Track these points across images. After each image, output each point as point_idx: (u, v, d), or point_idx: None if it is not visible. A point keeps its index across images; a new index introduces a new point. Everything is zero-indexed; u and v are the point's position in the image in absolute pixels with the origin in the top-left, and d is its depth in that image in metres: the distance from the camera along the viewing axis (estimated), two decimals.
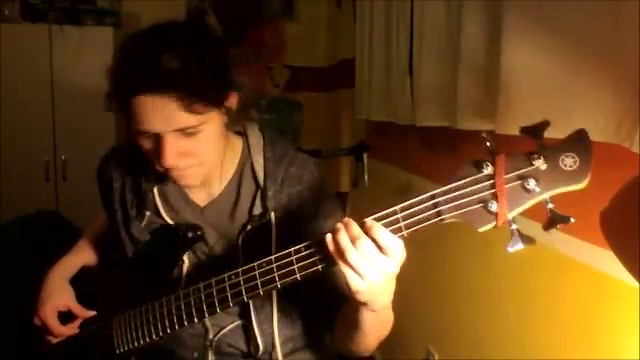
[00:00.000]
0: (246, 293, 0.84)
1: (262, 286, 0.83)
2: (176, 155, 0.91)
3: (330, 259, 0.76)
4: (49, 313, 1.08)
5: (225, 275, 0.87)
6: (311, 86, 3.70)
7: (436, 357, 1.92)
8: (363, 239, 0.72)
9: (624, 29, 0.93)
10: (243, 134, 1.10)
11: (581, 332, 1.18)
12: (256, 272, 0.83)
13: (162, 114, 0.88)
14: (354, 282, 0.74)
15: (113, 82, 0.92)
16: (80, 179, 3.08)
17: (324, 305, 1.01)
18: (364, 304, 0.80)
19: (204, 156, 0.95)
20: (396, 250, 0.73)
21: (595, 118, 1.01)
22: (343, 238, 0.73)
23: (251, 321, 1.03)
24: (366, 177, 2.16)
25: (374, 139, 2.43)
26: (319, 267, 0.78)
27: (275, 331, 1.03)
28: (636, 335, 0.97)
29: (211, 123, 0.93)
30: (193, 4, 3.49)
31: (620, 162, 0.96)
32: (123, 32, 3.26)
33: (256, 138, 1.08)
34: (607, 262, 1.00)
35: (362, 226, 0.74)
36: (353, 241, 0.73)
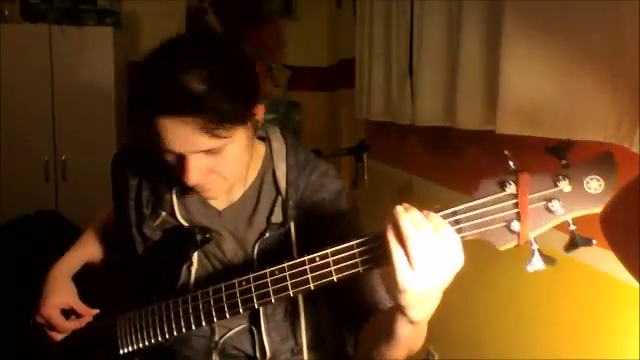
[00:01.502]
0: (257, 300, 0.83)
1: (274, 294, 0.81)
2: (200, 174, 0.90)
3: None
4: (52, 310, 1.07)
5: (236, 280, 0.85)
6: (311, 86, 3.70)
7: (436, 357, 1.92)
8: (426, 224, 0.67)
9: (624, 29, 0.93)
10: (266, 139, 1.08)
11: (581, 332, 1.18)
12: (268, 279, 0.82)
13: (184, 138, 0.86)
14: (403, 274, 0.67)
15: (134, 100, 0.90)
16: (80, 179, 3.09)
17: (338, 315, 1.00)
18: (404, 310, 0.73)
19: (228, 172, 0.94)
20: (453, 243, 0.69)
21: (595, 118, 1.01)
22: (405, 221, 0.67)
23: (260, 327, 1.02)
24: (366, 177, 2.16)
25: (374, 139, 2.43)
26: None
27: (303, 340, 1.02)
28: (636, 335, 0.97)
29: (236, 140, 0.91)
30: (193, 4, 3.49)
31: (620, 162, 0.96)
32: (123, 32, 3.28)
33: (279, 143, 1.07)
34: (607, 262, 1.00)
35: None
36: (416, 225, 0.67)
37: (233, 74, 0.88)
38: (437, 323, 1.89)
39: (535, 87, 1.14)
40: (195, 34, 0.93)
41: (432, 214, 0.69)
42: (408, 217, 0.68)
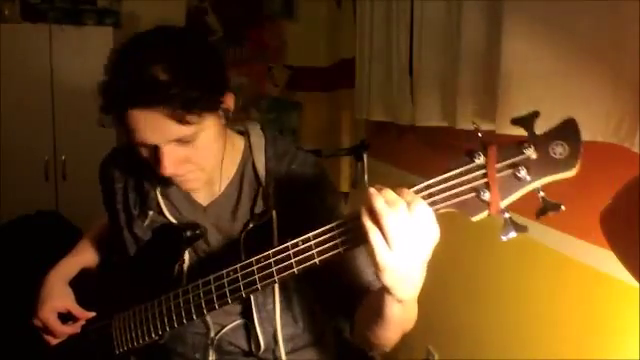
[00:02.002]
0: (244, 289, 0.84)
1: (260, 281, 0.83)
2: (174, 164, 0.91)
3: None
4: (49, 314, 1.08)
5: (224, 272, 0.86)
6: (311, 86, 3.70)
7: (436, 357, 1.92)
8: (400, 202, 0.68)
9: (624, 29, 0.93)
10: (245, 133, 1.10)
11: (581, 332, 1.18)
12: (254, 267, 0.83)
13: (154, 127, 0.87)
14: (381, 253, 0.68)
15: (103, 97, 0.91)
16: (80, 179, 3.09)
17: (332, 301, 1.00)
18: (389, 290, 0.74)
19: (203, 162, 0.95)
20: (427, 217, 0.69)
21: (595, 118, 1.01)
22: (379, 201, 0.68)
23: (253, 320, 1.03)
24: (366, 177, 2.16)
25: (374, 139, 2.43)
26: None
27: (278, 329, 1.03)
28: (636, 335, 0.97)
29: (207, 129, 0.92)
30: (193, 4, 3.49)
31: (620, 162, 0.96)
32: (123, 32, 3.27)
33: (257, 137, 1.08)
34: (607, 262, 1.00)
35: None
36: (389, 204, 0.68)
37: (198, 63, 0.90)
38: (437, 323, 1.90)
39: (535, 87, 1.14)
40: (161, 28, 0.94)
41: (405, 190, 0.70)
42: (381, 196, 0.69)
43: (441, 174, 0.72)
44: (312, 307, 1.07)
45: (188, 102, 0.86)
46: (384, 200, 0.69)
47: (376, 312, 0.83)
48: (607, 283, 1.05)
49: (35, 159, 3.08)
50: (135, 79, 0.86)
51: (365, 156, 2.18)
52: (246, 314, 1.04)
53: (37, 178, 3.08)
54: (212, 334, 1.06)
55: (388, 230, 0.68)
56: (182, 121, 0.87)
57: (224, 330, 1.06)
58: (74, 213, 2.41)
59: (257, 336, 1.03)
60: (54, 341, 1.10)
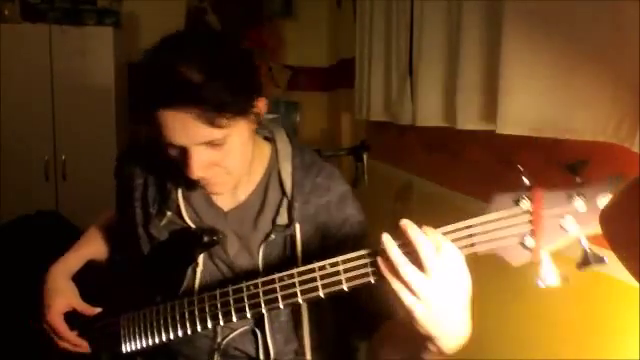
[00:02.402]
0: (265, 305, 0.83)
1: (282, 300, 0.81)
2: (203, 167, 0.90)
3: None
4: (56, 318, 1.06)
5: (244, 285, 0.85)
6: (311, 86, 3.70)
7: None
8: (421, 246, 0.66)
9: (624, 29, 0.93)
10: (271, 139, 1.08)
11: (581, 332, 1.18)
12: (277, 285, 0.82)
13: (185, 129, 0.86)
14: (405, 299, 0.67)
15: (136, 97, 0.92)
16: (80, 179, 3.09)
17: (348, 320, 0.99)
18: (429, 340, 0.71)
19: (231, 166, 0.94)
20: (455, 262, 0.68)
21: (595, 118, 1.00)
22: (394, 252, 0.68)
23: (264, 329, 1.02)
24: (366, 177, 2.15)
25: (374, 139, 2.43)
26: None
27: (300, 338, 1.02)
28: (636, 335, 0.97)
29: (238, 133, 0.91)
30: (193, 4, 3.49)
31: (620, 162, 0.96)
32: (123, 32, 3.28)
33: (284, 144, 1.06)
34: (607, 262, 1.00)
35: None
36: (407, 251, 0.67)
37: (232, 66, 0.89)
38: None
39: (535, 87, 1.14)
40: (194, 30, 0.94)
41: (430, 231, 0.69)
42: (395, 246, 0.68)
43: (484, 214, 0.70)
44: (325, 323, 1.06)
45: (220, 105, 0.85)
46: (398, 249, 0.68)
47: (406, 349, 0.79)
48: (607, 283, 1.05)
49: (35, 159, 3.08)
50: (168, 79, 0.85)
51: (365, 156, 2.18)
52: (257, 321, 1.02)
53: (37, 178, 3.08)
54: (219, 338, 1.05)
55: (407, 280, 0.67)
56: (213, 124, 0.86)
57: (232, 335, 1.05)
58: (74, 213, 2.41)
59: (267, 346, 1.02)
60: (63, 345, 1.08)
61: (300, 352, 1.05)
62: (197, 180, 0.94)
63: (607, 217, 0.68)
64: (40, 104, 3.05)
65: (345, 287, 0.76)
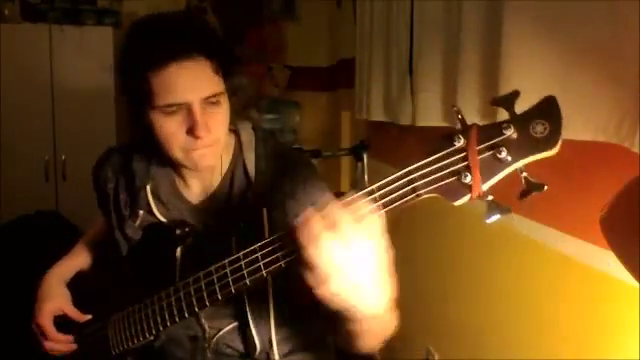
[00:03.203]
0: (233, 284, 0.83)
1: (248, 275, 0.81)
2: (205, 127, 0.92)
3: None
4: (45, 319, 1.08)
5: (212, 268, 0.86)
6: (311, 86, 3.70)
7: (436, 357, 1.92)
8: (323, 230, 0.64)
9: (624, 29, 0.93)
10: (235, 132, 1.10)
11: (581, 332, 1.18)
12: (242, 262, 0.82)
13: (196, 79, 0.90)
14: (322, 281, 0.65)
15: (133, 58, 0.92)
16: (80, 179, 3.07)
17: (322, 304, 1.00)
18: (344, 311, 0.70)
19: (222, 131, 0.97)
20: (371, 223, 0.65)
21: (595, 118, 1.01)
22: (314, 225, 0.65)
23: (247, 321, 1.03)
24: (366, 177, 2.16)
25: (374, 139, 2.43)
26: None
27: (272, 331, 1.03)
28: (636, 335, 0.97)
29: (225, 99, 0.96)
30: (193, 4, 3.49)
31: (620, 162, 0.96)
32: (123, 32, 3.27)
33: (248, 135, 1.08)
34: (607, 262, 1.00)
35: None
36: (327, 226, 0.64)
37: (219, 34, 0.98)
38: (437, 323, 1.89)
39: (535, 87, 1.14)
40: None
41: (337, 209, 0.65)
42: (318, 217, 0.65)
43: (421, 159, 0.70)
44: (307, 309, 1.07)
45: (223, 55, 0.92)
46: (318, 222, 0.65)
47: (344, 326, 0.79)
48: (607, 283, 1.05)
49: (35, 159, 3.08)
50: (178, 30, 0.90)
51: (365, 156, 2.18)
52: (241, 316, 1.04)
53: (37, 178, 3.08)
54: (208, 337, 1.06)
55: (327, 250, 0.64)
56: (218, 73, 0.92)
57: (220, 333, 1.06)
58: (74, 213, 2.41)
59: (252, 337, 1.03)
60: (49, 345, 1.10)
61: (286, 343, 1.06)
62: (190, 153, 0.95)
63: (607, 217, 0.68)
64: (40, 104, 3.05)
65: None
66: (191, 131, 0.92)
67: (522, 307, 1.42)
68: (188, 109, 0.91)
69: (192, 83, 0.90)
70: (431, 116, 1.75)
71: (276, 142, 1.10)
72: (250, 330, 1.03)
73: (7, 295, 1.85)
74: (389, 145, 2.43)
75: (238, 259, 0.82)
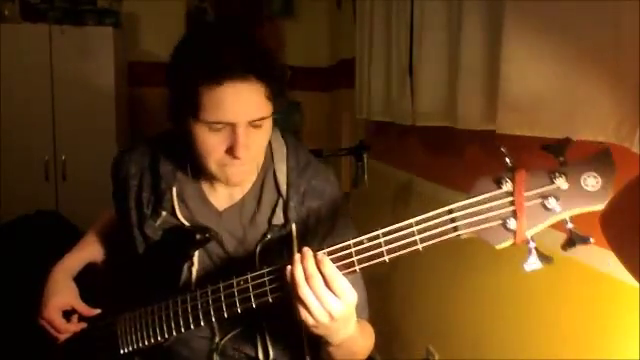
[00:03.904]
0: (255, 299, 0.84)
1: (271, 293, 0.83)
2: (246, 147, 0.92)
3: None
4: (53, 313, 1.07)
5: (234, 280, 0.86)
6: (311, 86, 3.70)
7: (436, 357, 1.92)
8: (315, 276, 0.76)
9: (624, 29, 0.93)
10: None
11: (581, 332, 1.18)
12: (265, 279, 0.83)
13: (247, 102, 0.89)
14: (305, 318, 0.78)
15: (188, 68, 0.91)
16: (80, 179, 3.09)
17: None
18: (321, 337, 0.84)
19: (259, 152, 0.98)
20: (344, 290, 0.76)
21: (595, 118, 1.00)
22: (298, 272, 0.76)
23: (262, 328, 1.02)
24: (366, 177, 2.16)
25: (374, 139, 2.43)
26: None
27: (282, 339, 1.03)
28: (636, 335, 0.97)
29: (269, 120, 0.95)
30: (193, 4, 3.49)
31: (620, 162, 0.96)
32: (123, 32, 3.27)
33: (279, 145, 1.07)
34: (607, 262, 1.00)
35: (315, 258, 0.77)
36: (307, 277, 0.76)
37: (278, 58, 1.00)
38: (437, 323, 1.90)
39: (535, 87, 1.14)
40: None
41: (319, 254, 0.78)
42: (301, 267, 0.77)
43: (466, 198, 0.70)
44: None
45: (276, 80, 0.92)
46: (303, 270, 0.77)
47: (323, 346, 0.90)
48: (607, 283, 1.05)
49: (35, 159, 3.08)
50: (238, 49, 0.90)
51: (365, 156, 2.18)
52: (255, 321, 1.03)
53: (37, 178, 3.08)
54: (217, 339, 1.05)
55: (304, 300, 0.77)
56: (268, 98, 0.91)
57: (229, 336, 1.05)
58: (74, 213, 2.41)
59: (266, 345, 1.02)
60: (61, 337, 1.09)
61: (298, 351, 1.05)
62: (224, 168, 0.95)
63: (607, 217, 0.68)
64: (40, 104, 3.05)
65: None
66: (231, 150, 0.92)
67: (522, 307, 1.42)
68: (233, 129, 0.91)
69: (243, 105, 0.89)
70: (431, 116, 1.75)
71: (306, 153, 1.10)
72: (264, 336, 1.03)
73: (7, 295, 1.85)
74: (389, 145, 2.43)
75: (262, 275, 0.84)
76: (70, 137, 3.10)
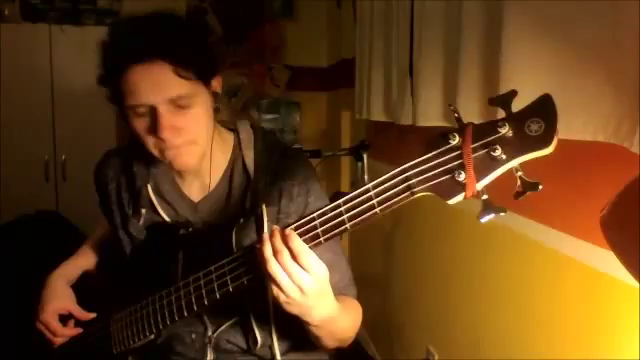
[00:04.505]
0: (231, 283, 0.85)
1: (245, 275, 0.84)
2: (171, 128, 0.93)
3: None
4: (50, 316, 1.09)
5: (212, 267, 0.88)
6: (311, 86, 3.70)
7: (436, 357, 1.92)
8: (283, 251, 0.75)
9: (624, 29, 0.93)
10: (234, 130, 1.11)
11: (581, 332, 1.18)
12: (239, 262, 0.84)
13: (156, 82, 0.91)
14: (277, 295, 0.78)
15: (105, 61, 0.95)
16: (80, 179, 3.08)
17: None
18: (298, 316, 0.83)
19: (196, 132, 0.97)
20: (312, 263, 0.76)
21: (595, 118, 1.00)
22: (267, 249, 0.76)
23: (249, 315, 1.03)
24: (366, 177, 2.16)
25: (374, 139, 2.43)
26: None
27: (272, 325, 1.04)
28: (636, 335, 0.97)
29: (200, 99, 0.96)
30: (193, 4, 3.49)
31: (620, 162, 0.96)
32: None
33: (247, 133, 1.10)
34: (607, 262, 1.00)
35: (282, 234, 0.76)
36: (275, 253, 0.76)
37: (196, 35, 0.98)
38: (437, 323, 1.90)
39: (535, 87, 1.14)
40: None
41: (287, 230, 0.77)
42: (269, 244, 0.77)
43: (417, 157, 0.70)
44: None
45: (187, 57, 0.92)
46: (271, 247, 0.76)
47: (305, 327, 0.90)
48: (607, 283, 1.05)
49: (35, 159, 3.08)
50: (138, 34, 0.91)
51: (365, 156, 2.18)
52: (242, 310, 1.05)
53: (37, 178, 3.08)
54: (210, 332, 1.07)
55: (273, 276, 0.76)
56: (180, 75, 0.91)
57: (221, 328, 1.06)
58: (74, 213, 2.41)
59: (254, 331, 1.04)
60: (57, 341, 1.11)
61: (285, 338, 1.07)
62: (165, 152, 0.96)
63: (607, 217, 0.68)
64: (40, 104, 3.05)
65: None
66: (155, 132, 0.93)
67: (522, 307, 1.42)
68: (153, 111, 0.93)
69: (153, 85, 0.91)
70: (431, 116, 1.75)
71: (275, 139, 1.12)
72: (251, 324, 1.03)
73: (7, 295, 1.85)
74: (389, 145, 2.43)
75: (236, 259, 0.84)
76: (70, 137, 3.10)
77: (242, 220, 1.01)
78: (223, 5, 3.53)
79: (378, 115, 2.29)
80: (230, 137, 1.10)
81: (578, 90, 1.04)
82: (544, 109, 0.65)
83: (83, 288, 1.15)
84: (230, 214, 1.05)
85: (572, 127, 1.05)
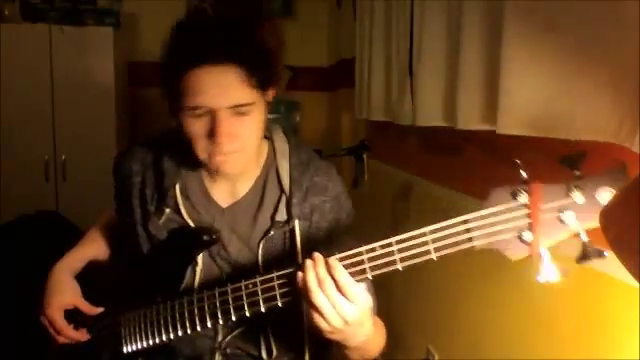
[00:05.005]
0: (264, 304, 0.84)
1: (281, 297, 0.83)
2: (228, 134, 0.92)
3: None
4: (56, 313, 1.06)
5: (242, 283, 0.86)
6: (311, 86, 3.70)
7: (436, 357, 1.92)
8: (328, 281, 0.75)
9: (624, 29, 0.93)
10: (269, 138, 1.09)
11: (581, 332, 1.18)
12: (275, 283, 0.83)
13: (224, 86, 0.89)
14: (319, 324, 0.78)
15: (171, 56, 0.93)
16: (80, 179, 3.09)
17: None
18: (337, 342, 0.83)
19: (249, 141, 0.96)
20: (357, 295, 0.76)
21: (595, 118, 1.00)
22: (311, 278, 0.76)
23: (266, 327, 1.02)
24: (366, 177, 2.15)
25: (374, 139, 2.43)
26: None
27: (295, 341, 1.02)
28: (636, 335, 0.97)
29: (257, 108, 0.94)
30: (193, 4, 3.48)
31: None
32: (123, 32, 3.27)
33: (282, 142, 1.08)
34: (607, 262, 1.00)
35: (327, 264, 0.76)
36: (319, 282, 0.76)
37: (271, 45, 0.96)
38: (437, 323, 1.90)
39: (536, 87, 1.14)
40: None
41: (331, 260, 0.77)
42: (313, 273, 0.77)
43: (481, 209, 0.70)
44: None
45: (259, 67, 0.90)
46: (315, 276, 0.76)
47: (339, 350, 0.91)
48: (607, 283, 1.05)
49: (35, 159, 3.08)
50: (218, 34, 0.90)
51: (365, 156, 2.18)
52: (257, 321, 1.02)
53: (37, 178, 3.08)
54: (220, 338, 1.05)
55: (317, 306, 0.76)
56: (247, 84, 0.90)
57: (232, 334, 1.05)
58: (74, 213, 2.41)
59: (269, 343, 1.03)
60: (61, 339, 1.08)
61: (300, 350, 1.05)
62: (212, 157, 0.94)
63: (607, 217, 0.68)
64: (40, 104, 3.05)
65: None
66: (212, 136, 0.92)
67: (522, 307, 1.42)
68: (213, 115, 0.91)
69: (220, 89, 0.89)
70: (431, 116, 1.75)
71: (308, 150, 1.10)
72: (268, 335, 1.03)
73: (7, 295, 1.85)
74: (389, 145, 2.43)
75: (271, 279, 0.84)
76: (70, 137, 3.10)
77: (272, 233, 1.00)
78: (223, 5, 3.53)
79: (378, 115, 2.29)
80: (265, 145, 1.08)
81: (578, 90, 1.04)
82: (617, 178, 0.65)
83: (89, 279, 1.13)
84: (259, 225, 1.03)
85: (572, 127, 1.05)
